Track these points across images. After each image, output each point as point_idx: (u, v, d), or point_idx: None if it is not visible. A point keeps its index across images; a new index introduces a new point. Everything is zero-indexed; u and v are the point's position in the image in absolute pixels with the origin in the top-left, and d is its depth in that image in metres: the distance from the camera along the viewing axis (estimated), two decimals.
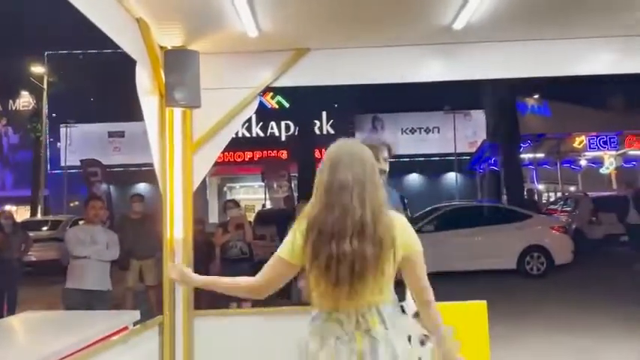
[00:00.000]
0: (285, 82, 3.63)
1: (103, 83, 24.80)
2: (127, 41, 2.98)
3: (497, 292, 8.27)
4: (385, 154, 3.33)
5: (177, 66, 3.24)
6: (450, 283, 6.97)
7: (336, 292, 1.93)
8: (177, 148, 3.45)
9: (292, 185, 17.66)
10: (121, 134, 28.31)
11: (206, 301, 4.76)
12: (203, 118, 3.51)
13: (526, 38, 3.52)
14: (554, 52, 3.60)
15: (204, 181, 29.60)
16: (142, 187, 25.61)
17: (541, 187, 24.63)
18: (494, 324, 3.45)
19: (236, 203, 7.01)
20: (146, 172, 24.50)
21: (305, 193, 14.53)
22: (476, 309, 3.43)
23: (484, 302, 3.46)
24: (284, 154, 26.37)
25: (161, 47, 3.35)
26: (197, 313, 3.46)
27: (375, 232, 1.91)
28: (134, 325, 3.16)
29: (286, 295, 6.59)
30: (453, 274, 9.32)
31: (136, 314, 3.24)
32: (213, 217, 23.75)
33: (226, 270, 6.67)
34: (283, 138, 28.33)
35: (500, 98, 16.68)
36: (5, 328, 3.30)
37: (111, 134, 28.54)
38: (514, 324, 6.23)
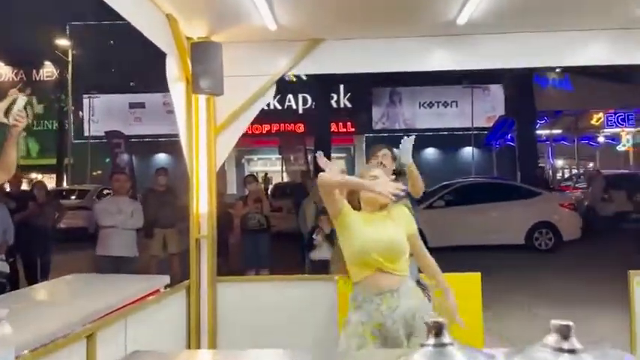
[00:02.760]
0: (301, 70, 3.94)
1: (124, 54, 25.18)
2: (158, 36, 3.31)
3: (505, 266, 8.63)
4: (384, 151, 3.63)
5: (203, 57, 3.56)
6: (458, 258, 7.33)
7: None
8: (202, 131, 3.81)
9: (308, 159, 17.99)
10: (142, 105, 28.81)
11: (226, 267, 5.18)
12: (225, 104, 3.84)
13: (525, 30, 3.76)
14: (552, 43, 3.84)
15: None
16: (162, 158, 26.27)
17: (559, 163, 24.59)
18: (497, 297, 3.75)
19: (254, 178, 7.41)
20: (167, 143, 25.19)
21: (321, 167, 14.84)
22: (470, 280, 3.79)
23: (478, 274, 3.81)
24: (301, 128, 26.60)
25: (187, 38, 3.67)
26: (220, 279, 3.87)
27: None
28: (165, 288, 3.58)
29: (301, 269, 7.03)
30: (463, 247, 9.67)
31: (166, 279, 3.66)
32: (232, 189, 24.28)
33: (246, 240, 7.12)
34: (300, 111, 28.54)
35: (517, 73, 16.65)
36: (55, 289, 3.76)
37: (132, 105, 29.06)
38: (520, 296, 6.55)
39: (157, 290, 3.51)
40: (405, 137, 3.59)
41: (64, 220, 8.62)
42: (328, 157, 13.34)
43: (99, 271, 5.45)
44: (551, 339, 1.26)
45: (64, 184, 25.13)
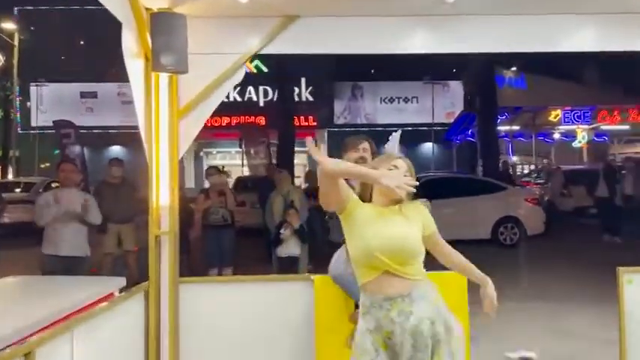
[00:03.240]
0: (274, 49, 3.56)
1: (75, 41, 23.96)
2: (113, 2, 2.88)
3: (472, 261, 8.51)
4: (365, 144, 3.35)
5: (164, 29, 3.15)
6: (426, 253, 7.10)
7: None
8: (163, 114, 3.39)
9: (271, 152, 17.56)
10: (94, 95, 27.54)
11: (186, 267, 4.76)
12: (189, 84, 3.44)
13: (514, 12, 3.52)
14: (542, 28, 3.62)
15: None
16: (116, 151, 25.18)
17: (515, 159, 25.09)
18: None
19: (218, 170, 6.98)
20: (121, 135, 24.16)
21: (285, 161, 14.52)
22: (457, 279, 3.53)
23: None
24: (262, 120, 26.09)
25: (147, 9, 3.25)
26: (183, 280, 3.47)
27: None
28: (120, 292, 3.16)
29: (267, 267, 6.69)
30: None
31: (122, 281, 3.24)
32: (189, 183, 23.55)
33: (208, 236, 6.69)
34: (261, 104, 27.99)
35: (479, 69, 16.76)
36: None
37: (83, 94, 27.72)
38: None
39: (111, 294, 3.09)
40: (393, 133, 3.32)
41: (6, 214, 7.94)
42: (292, 152, 12.95)
43: (45, 272, 4.91)
44: None
45: (10, 176, 23.72)
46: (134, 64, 3.24)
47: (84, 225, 5.23)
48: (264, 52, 3.59)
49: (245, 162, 19.03)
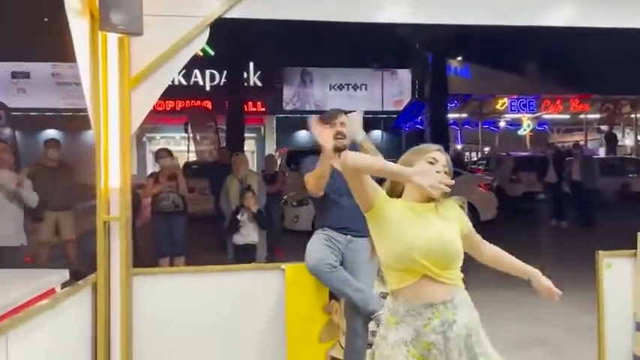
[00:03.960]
0: (240, 13, 3.18)
1: (5, 17, 22.20)
2: None
3: None
4: (342, 118, 3.12)
5: None
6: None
7: None
8: (113, 83, 2.96)
9: (219, 138, 16.96)
10: (27, 75, 25.71)
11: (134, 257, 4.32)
12: (144, 50, 3.01)
13: None
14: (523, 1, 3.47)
15: None
16: (51, 135, 23.66)
17: (459, 147, 25.61)
18: None
19: (169, 152, 6.47)
20: (57, 118, 22.69)
21: (234, 147, 14.00)
22: None
23: None
24: (209, 105, 25.22)
25: None
26: (137, 272, 3.07)
27: None
28: (62, 287, 2.73)
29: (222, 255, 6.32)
30: None
31: (64, 273, 2.80)
32: (132, 170, 22.49)
33: (157, 223, 6.21)
34: (208, 88, 27.07)
35: (431, 57, 16.83)
36: None
37: (15, 74, 25.82)
38: None
39: (52, 290, 2.66)
40: (353, 112, 3.07)
41: None
42: (242, 138, 12.48)
43: None
44: None
45: None
46: (78, 24, 2.79)
47: (20, 209, 4.67)
48: (228, 15, 3.20)
49: (192, 148, 18.28)
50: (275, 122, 28.61)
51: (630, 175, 14.78)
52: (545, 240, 8.80)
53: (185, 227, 6.34)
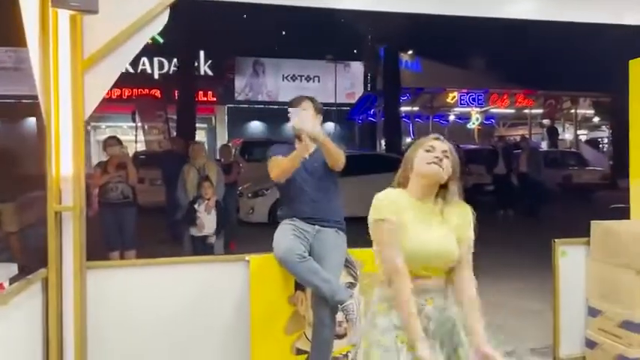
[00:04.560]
0: None
1: None
2: None
3: None
4: (305, 104, 3.07)
5: None
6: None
7: None
8: (64, 65, 2.76)
9: (170, 127, 16.45)
10: None
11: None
12: (98, 30, 2.83)
13: None
14: None
15: None
16: None
17: (409, 140, 26.07)
18: None
19: (118, 140, 6.19)
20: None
21: (185, 137, 13.61)
22: None
23: None
24: (157, 93, 24.46)
25: None
26: (91, 265, 2.90)
27: None
28: (10, 283, 2.53)
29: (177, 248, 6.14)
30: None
31: (12, 268, 2.60)
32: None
33: (105, 215, 5.94)
34: (156, 76, 26.25)
35: (383, 50, 16.99)
36: None
37: None
38: None
39: (0, 285, 2.47)
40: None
41: None
42: (193, 128, 12.08)
43: None
44: None
45: None
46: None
47: None
48: None
49: (141, 138, 17.65)
50: (226, 112, 28.14)
51: (571, 168, 15.48)
52: (494, 229, 9.06)
53: (135, 219, 6.10)
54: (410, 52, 30.94)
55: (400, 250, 1.87)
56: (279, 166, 2.96)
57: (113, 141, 6.14)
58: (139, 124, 17.28)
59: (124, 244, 5.95)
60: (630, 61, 3.79)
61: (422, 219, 1.93)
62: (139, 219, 6.30)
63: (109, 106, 24.51)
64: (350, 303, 2.83)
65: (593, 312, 3.61)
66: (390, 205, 1.92)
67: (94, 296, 2.88)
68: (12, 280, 2.54)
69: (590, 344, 3.63)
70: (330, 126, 27.96)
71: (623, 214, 3.99)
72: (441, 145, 2.00)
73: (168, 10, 2.97)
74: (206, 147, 27.62)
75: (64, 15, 2.70)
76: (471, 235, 2.00)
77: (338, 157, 2.95)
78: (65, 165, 2.78)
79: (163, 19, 2.97)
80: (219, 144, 21.36)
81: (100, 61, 2.87)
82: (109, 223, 5.96)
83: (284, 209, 3.12)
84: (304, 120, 2.87)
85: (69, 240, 2.78)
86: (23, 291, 2.48)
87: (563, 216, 9.95)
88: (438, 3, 3.52)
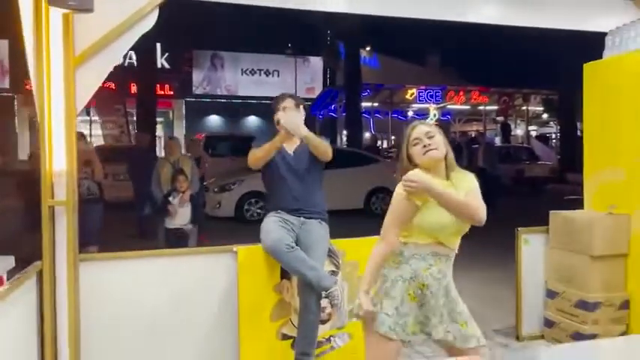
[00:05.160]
0: None
1: None
2: None
3: (347, 230, 8.75)
4: (286, 102, 3.23)
5: None
6: None
7: None
8: (57, 62, 2.81)
9: (128, 121, 16.20)
10: None
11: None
12: (88, 27, 2.90)
13: None
14: None
15: (12, 112, 25.29)
16: None
17: (368, 135, 26.51)
18: None
19: (82, 135, 6.13)
20: None
21: (145, 130, 13.42)
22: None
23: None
24: (112, 86, 23.87)
25: None
26: (83, 257, 2.97)
27: None
28: (8, 276, 2.58)
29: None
30: None
31: (10, 260, 2.64)
32: (23, 155, 20.79)
33: None
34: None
35: (343, 46, 17.21)
36: None
37: None
38: None
39: (0, 279, 2.51)
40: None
41: None
42: (154, 122, 12.00)
43: None
44: None
45: None
46: None
47: None
48: None
49: (97, 132, 17.27)
50: (184, 106, 27.74)
51: (523, 162, 16.22)
52: None
53: (101, 216, 6.07)
54: (368, 48, 31.46)
55: (401, 225, 2.19)
56: (255, 154, 3.15)
57: (77, 135, 6.06)
58: (95, 118, 16.92)
59: (89, 241, 5.90)
60: (585, 65, 4.09)
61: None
62: (106, 214, 6.28)
63: None
64: (335, 289, 3.00)
65: (551, 294, 3.94)
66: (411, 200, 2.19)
67: (86, 288, 2.95)
68: (9, 273, 2.59)
69: (549, 323, 3.96)
70: None
71: (576, 204, 4.33)
72: (420, 130, 2.24)
73: (158, 9, 3.06)
74: (163, 141, 27.30)
75: (56, 13, 2.75)
76: (475, 188, 2.26)
77: (324, 149, 3.13)
78: (58, 160, 2.83)
79: (153, 17, 3.06)
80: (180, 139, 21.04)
81: (91, 58, 2.93)
82: None
83: (270, 202, 3.27)
84: (291, 119, 3.06)
85: (62, 234, 2.84)
86: (21, 285, 2.53)
87: (519, 208, 10.46)
88: (405, 6, 3.69)
